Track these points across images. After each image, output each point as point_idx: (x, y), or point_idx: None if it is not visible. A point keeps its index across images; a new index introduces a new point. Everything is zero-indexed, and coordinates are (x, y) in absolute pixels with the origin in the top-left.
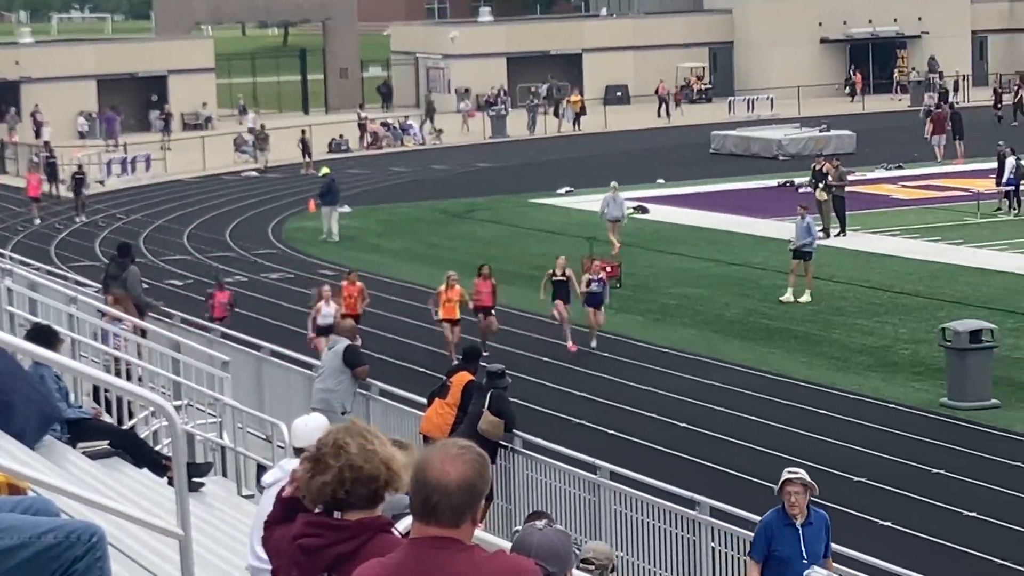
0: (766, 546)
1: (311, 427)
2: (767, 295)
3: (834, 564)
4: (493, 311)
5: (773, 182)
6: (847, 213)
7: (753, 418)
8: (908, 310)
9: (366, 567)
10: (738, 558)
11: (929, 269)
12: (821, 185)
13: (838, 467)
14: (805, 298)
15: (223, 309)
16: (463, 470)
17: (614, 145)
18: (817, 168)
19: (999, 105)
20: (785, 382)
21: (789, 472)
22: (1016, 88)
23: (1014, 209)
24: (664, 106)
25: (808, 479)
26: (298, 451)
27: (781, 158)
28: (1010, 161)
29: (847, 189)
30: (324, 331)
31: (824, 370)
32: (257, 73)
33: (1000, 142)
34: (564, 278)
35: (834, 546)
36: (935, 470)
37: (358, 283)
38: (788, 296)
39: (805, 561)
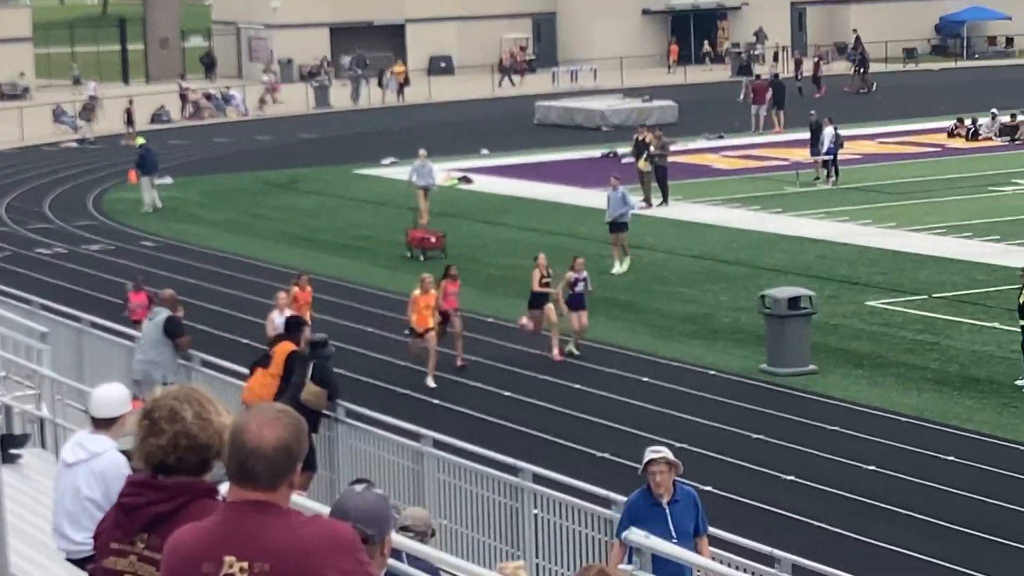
0: (629, 526)
1: (111, 398)
2: (591, 265)
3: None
4: (458, 313)
5: (597, 153)
6: (669, 183)
7: (577, 386)
8: (729, 278)
9: (182, 530)
10: (561, 524)
11: (749, 238)
12: (645, 156)
13: (660, 434)
14: (621, 268)
15: (142, 312)
16: (279, 433)
17: (438, 116)
18: (639, 139)
19: (799, 76)
20: (608, 350)
21: (652, 451)
22: (816, 60)
23: (832, 178)
24: (507, 76)
25: (672, 457)
26: (96, 421)
27: (604, 129)
28: (828, 131)
29: (669, 159)
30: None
31: (646, 338)
32: (76, 43)
33: (812, 112)
34: (549, 280)
35: None
36: (755, 435)
37: (309, 287)
38: (617, 268)
39: (674, 540)
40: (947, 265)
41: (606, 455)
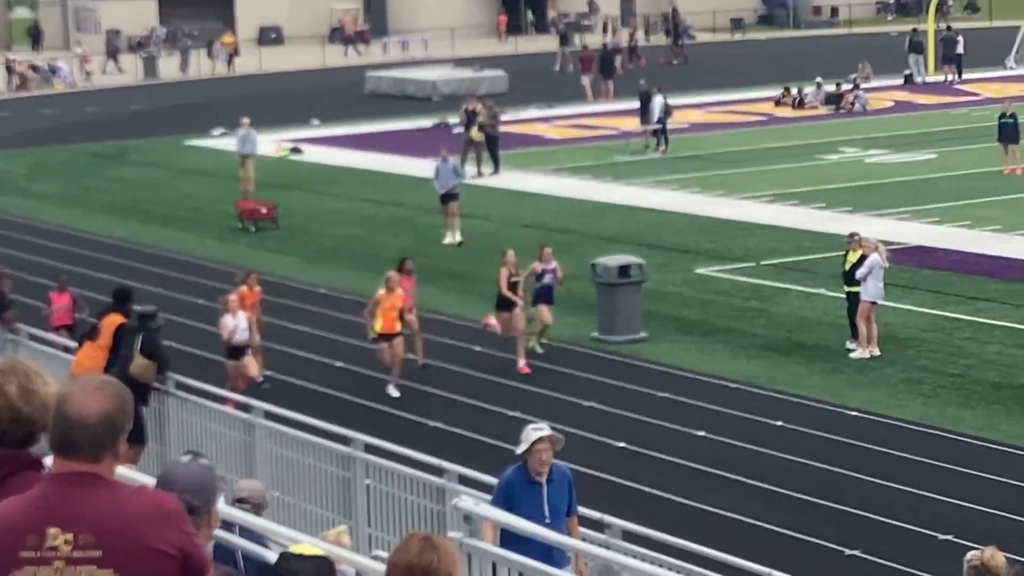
0: (505, 505)
1: None
2: (423, 235)
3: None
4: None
5: (428, 123)
6: (500, 152)
7: (409, 356)
8: (560, 247)
9: (6, 503)
10: (393, 493)
11: (580, 207)
12: (476, 126)
13: (491, 402)
14: (453, 239)
15: (64, 315)
16: (103, 404)
17: (268, 86)
18: (468, 109)
19: (627, 47)
20: (440, 320)
21: (537, 430)
22: (631, 31)
23: (661, 147)
24: (352, 46)
25: (555, 434)
26: None
27: (435, 99)
28: (658, 100)
29: (500, 129)
30: (238, 353)
31: (478, 308)
32: None
33: (642, 81)
34: (518, 279)
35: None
36: (586, 403)
37: (257, 287)
38: (449, 239)
39: (548, 521)
40: (775, 232)
41: (439, 424)
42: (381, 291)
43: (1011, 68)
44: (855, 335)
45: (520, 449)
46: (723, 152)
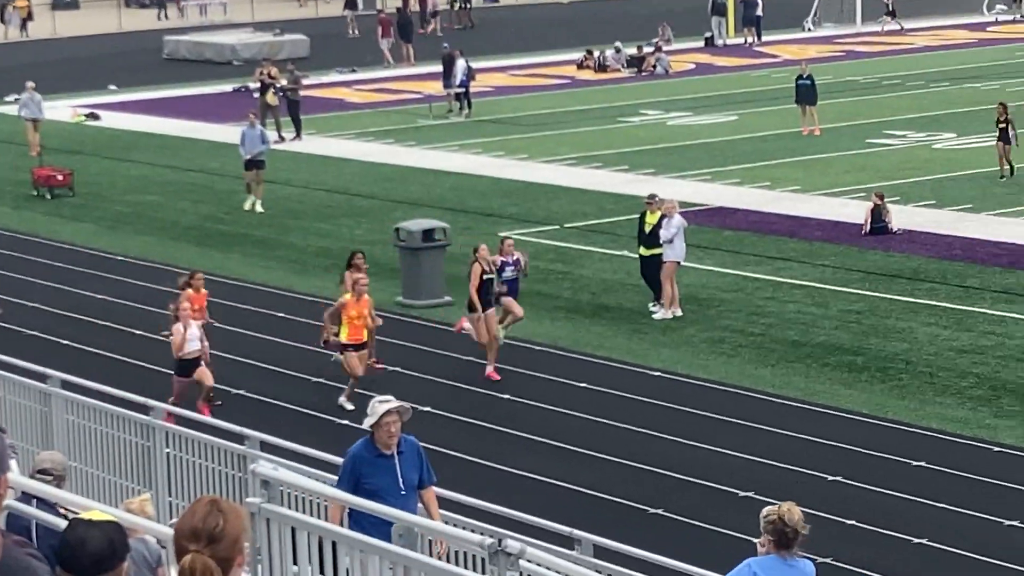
0: (354, 480)
1: None
2: (223, 201)
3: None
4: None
5: (228, 87)
6: (302, 117)
7: (215, 323)
8: (363, 212)
9: None
10: (194, 461)
11: (383, 171)
12: (273, 90)
13: (299, 369)
14: (257, 206)
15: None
16: None
17: (64, 51)
18: (263, 73)
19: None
20: (243, 286)
21: (384, 402)
22: None
23: (464, 110)
24: (163, 10)
25: (403, 405)
26: None
27: (235, 63)
28: (460, 63)
29: (302, 93)
30: (190, 367)
31: (282, 273)
32: None
33: (445, 45)
34: (492, 276)
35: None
36: (392, 367)
37: (204, 291)
38: (255, 206)
39: (403, 493)
40: (578, 195)
41: (242, 391)
42: (347, 296)
43: (809, 30)
44: (658, 296)
45: (368, 423)
46: (526, 115)
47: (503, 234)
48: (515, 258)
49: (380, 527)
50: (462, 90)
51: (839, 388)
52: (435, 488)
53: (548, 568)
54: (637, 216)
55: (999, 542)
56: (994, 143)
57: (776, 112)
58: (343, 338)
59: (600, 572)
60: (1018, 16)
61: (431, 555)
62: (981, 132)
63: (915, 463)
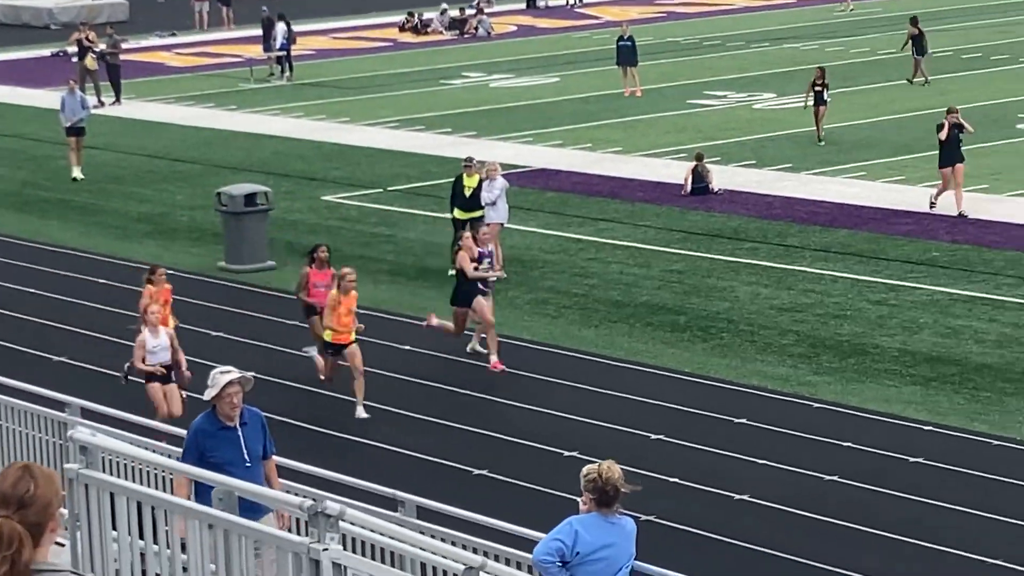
0: (198, 453)
1: None
2: (42, 166)
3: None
4: None
5: (46, 52)
6: (122, 81)
7: (25, 288)
8: (184, 177)
9: None
10: (11, 428)
11: (204, 136)
12: (92, 55)
13: (116, 335)
14: (79, 173)
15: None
16: None
17: None
18: (82, 37)
19: None
20: (63, 253)
21: (225, 373)
22: None
23: (286, 73)
24: None
25: (245, 375)
26: None
27: (53, 27)
28: (280, 26)
29: (121, 58)
30: (163, 377)
31: (103, 239)
32: None
33: (264, 8)
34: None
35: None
36: (215, 333)
37: (166, 286)
38: (77, 173)
39: (248, 465)
40: (401, 158)
41: (63, 358)
42: (333, 291)
43: None
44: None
45: (209, 395)
46: (348, 78)
47: (483, 229)
48: (490, 249)
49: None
50: (283, 53)
51: (662, 347)
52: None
53: (369, 529)
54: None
55: (820, 496)
56: (811, 105)
57: (598, 74)
58: (328, 338)
59: (423, 533)
60: None
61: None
62: (800, 92)
63: (736, 420)
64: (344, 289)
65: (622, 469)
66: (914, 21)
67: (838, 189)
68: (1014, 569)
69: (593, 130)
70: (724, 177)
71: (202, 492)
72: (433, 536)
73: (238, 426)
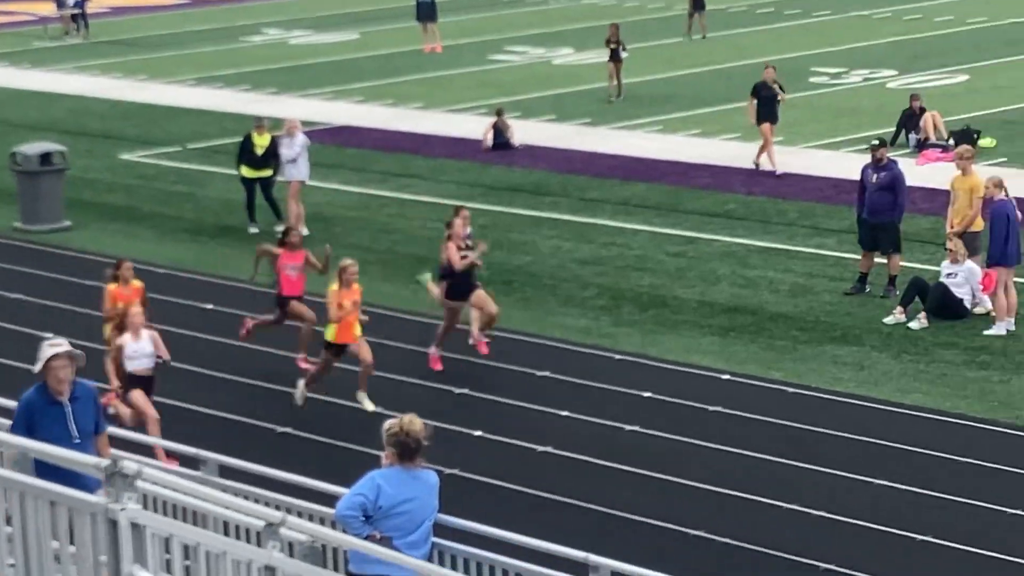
0: (27, 427)
1: None
2: None
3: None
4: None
5: None
6: None
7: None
8: None
9: None
10: None
11: None
12: None
13: None
14: None
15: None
16: None
17: None
18: None
19: None
20: None
21: (53, 346)
22: None
23: (82, 31)
24: None
25: (74, 350)
26: None
27: None
28: None
29: None
30: (141, 380)
31: None
32: None
33: None
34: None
35: None
36: (14, 295)
37: (135, 283)
38: None
39: (78, 441)
40: (200, 116)
41: None
42: (333, 286)
43: None
44: (278, 215)
45: (36, 367)
46: (145, 36)
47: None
48: (468, 231)
49: (60, 473)
50: (78, 11)
51: None
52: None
53: (168, 488)
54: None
55: (620, 447)
56: (606, 61)
57: (398, 30)
58: (330, 336)
59: (227, 491)
60: None
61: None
62: (598, 47)
63: (539, 373)
64: (346, 282)
65: (424, 423)
66: None
67: (637, 143)
68: (821, 516)
69: (394, 87)
70: (524, 132)
71: (39, 467)
72: (236, 494)
73: (67, 401)
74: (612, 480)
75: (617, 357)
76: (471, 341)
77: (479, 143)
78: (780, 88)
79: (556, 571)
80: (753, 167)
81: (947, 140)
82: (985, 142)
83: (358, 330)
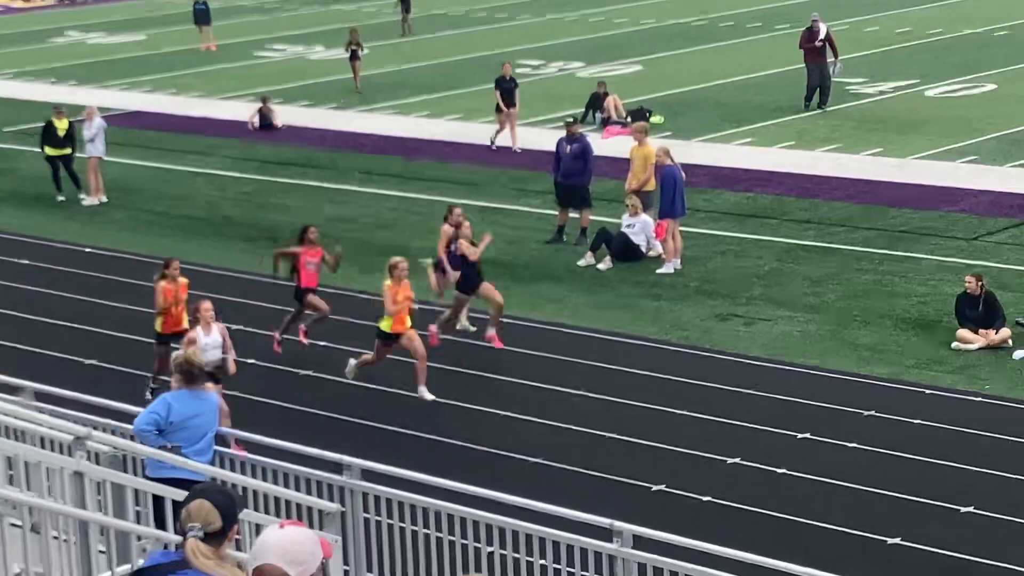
0: None
1: None
2: None
3: None
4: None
5: None
6: None
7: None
8: None
9: None
10: None
11: None
12: None
13: None
14: None
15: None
16: None
17: None
18: None
19: None
20: None
21: None
22: None
23: None
24: None
25: None
26: None
27: None
28: None
29: None
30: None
31: None
32: None
33: None
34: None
35: None
36: None
37: (182, 279)
38: None
39: None
40: (13, 105)
41: None
42: (387, 282)
43: None
44: (78, 185)
45: None
46: None
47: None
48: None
49: None
50: None
51: (238, 255)
52: None
53: None
54: (75, 119)
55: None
56: (348, 60)
57: (179, 32)
58: (385, 327)
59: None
60: None
61: None
62: (340, 47)
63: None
64: (397, 278)
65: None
66: None
67: (377, 123)
68: (518, 417)
69: (176, 79)
70: (285, 115)
71: None
72: (51, 415)
73: None
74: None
75: (364, 297)
76: (487, 335)
77: (247, 124)
78: (515, 81)
79: (583, 536)
80: (489, 144)
81: (625, 118)
82: (656, 119)
83: (409, 321)
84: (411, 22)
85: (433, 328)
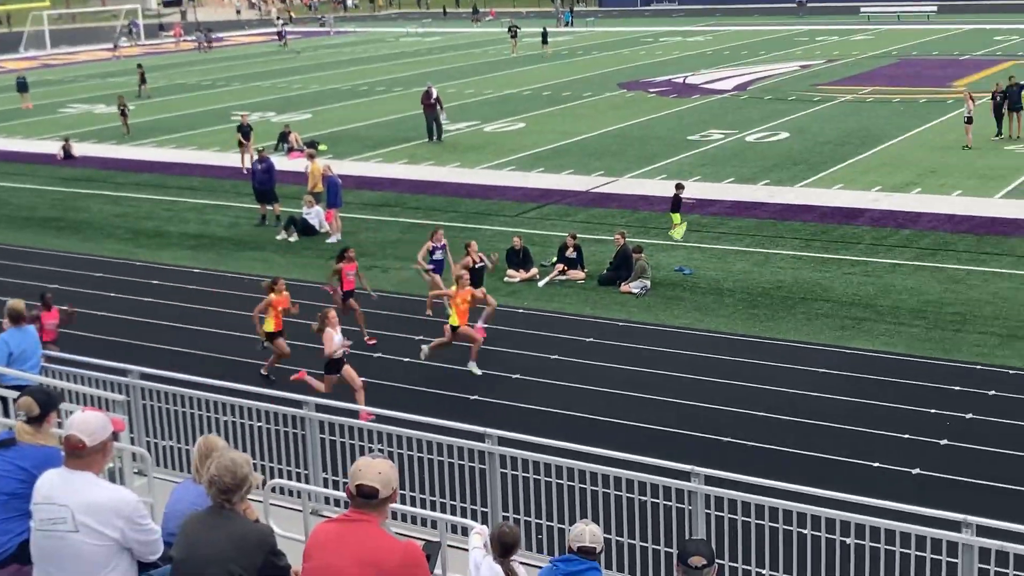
0: None
1: None
2: None
3: None
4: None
5: None
6: None
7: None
8: None
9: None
10: None
11: None
12: None
13: None
14: None
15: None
16: None
17: None
18: None
19: None
20: None
21: None
22: None
23: None
24: None
25: None
26: None
27: None
28: None
29: None
30: (339, 362)
31: None
32: None
33: None
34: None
35: None
36: None
37: (286, 292)
38: None
39: None
40: None
41: None
42: (453, 288)
43: None
44: None
45: None
46: None
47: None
48: (443, 243)
49: None
50: None
51: (53, 240)
52: None
53: None
54: None
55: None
56: (119, 114)
57: (6, 96)
58: (454, 322)
59: None
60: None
61: None
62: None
63: (154, 283)
64: (462, 286)
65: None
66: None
67: (144, 153)
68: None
69: (7, 127)
70: (81, 149)
71: None
72: None
73: None
74: None
75: (197, 271)
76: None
77: (55, 156)
78: (249, 126)
79: (665, 478)
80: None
81: (302, 147)
82: (322, 147)
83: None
84: (149, 90)
85: (478, 325)
